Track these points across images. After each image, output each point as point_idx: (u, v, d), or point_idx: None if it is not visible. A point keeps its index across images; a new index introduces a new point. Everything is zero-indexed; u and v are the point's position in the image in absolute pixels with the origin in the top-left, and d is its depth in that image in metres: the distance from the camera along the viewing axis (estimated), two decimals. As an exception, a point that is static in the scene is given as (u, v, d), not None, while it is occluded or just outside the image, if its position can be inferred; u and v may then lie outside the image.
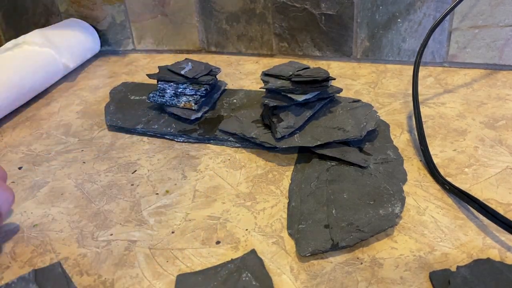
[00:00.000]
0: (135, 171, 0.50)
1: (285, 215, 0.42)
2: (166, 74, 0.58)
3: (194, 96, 0.57)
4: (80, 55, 0.78)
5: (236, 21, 0.77)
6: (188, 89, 0.57)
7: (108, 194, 0.47)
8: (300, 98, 0.50)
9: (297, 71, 0.53)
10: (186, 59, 0.62)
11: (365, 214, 0.39)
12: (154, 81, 0.64)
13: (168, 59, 0.81)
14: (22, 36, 0.71)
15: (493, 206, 0.40)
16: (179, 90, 0.57)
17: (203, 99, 0.58)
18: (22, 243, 0.41)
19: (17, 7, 0.86)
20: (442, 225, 0.39)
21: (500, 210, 0.40)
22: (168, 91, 0.58)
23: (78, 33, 0.79)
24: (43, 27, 0.76)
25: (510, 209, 0.40)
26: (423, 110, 0.57)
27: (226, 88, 0.65)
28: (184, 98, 0.57)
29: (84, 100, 0.68)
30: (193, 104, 0.57)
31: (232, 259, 0.37)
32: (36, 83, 0.67)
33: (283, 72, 0.53)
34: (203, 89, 0.57)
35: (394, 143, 0.51)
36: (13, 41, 0.69)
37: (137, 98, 0.64)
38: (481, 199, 0.41)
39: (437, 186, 0.44)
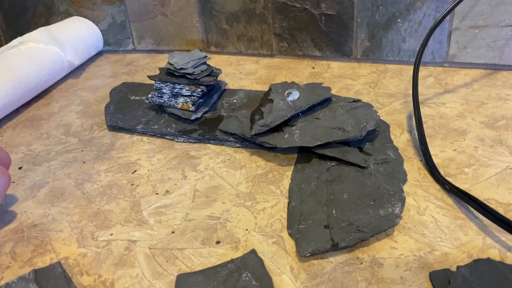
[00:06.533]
0: (135, 171, 0.50)
1: (285, 215, 0.42)
2: (167, 76, 0.58)
3: (192, 97, 0.57)
4: (84, 52, 0.79)
5: (236, 21, 0.77)
6: (184, 90, 0.57)
7: (108, 194, 0.47)
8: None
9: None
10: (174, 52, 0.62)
11: (365, 215, 0.39)
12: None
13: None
14: (27, 34, 0.71)
15: (493, 206, 0.40)
16: (175, 90, 0.57)
17: (201, 100, 0.58)
18: (22, 243, 0.41)
19: (17, 7, 0.86)
20: (442, 225, 0.39)
21: (500, 210, 0.40)
22: (164, 91, 0.58)
23: (82, 31, 0.79)
24: (42, 27, 0.77)
25: (510, 209, 0.40)
26: (423, 110, 0.57)
27: (226, 88, 0.65)
28: (181, 99, 0.57)
29: (84, 100, 0.68)
30: (190, 106, 0.57)
31: (232, 259, 0.37)
32: (41, 80, 0.67)
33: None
34: (199, 90, 0.57)
35: (394, 143, 0.51)
36: (18, 39, 0.70)
37: (137, 98, 0.64)
38: (481, 199, 0.41)
39: (437, 186, 0.44)
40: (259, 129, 0.50)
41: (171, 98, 0.58)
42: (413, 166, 0.47)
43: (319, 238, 0.38)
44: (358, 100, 0.55)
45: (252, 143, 0.52)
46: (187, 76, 0.57)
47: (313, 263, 0.37)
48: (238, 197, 0.45)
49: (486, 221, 0.39)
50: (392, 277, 0.35)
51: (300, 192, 0.44)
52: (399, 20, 0.68)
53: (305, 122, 0.51)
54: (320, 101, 0.54)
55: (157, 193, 0.46)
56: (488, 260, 0.34)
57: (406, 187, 0.44)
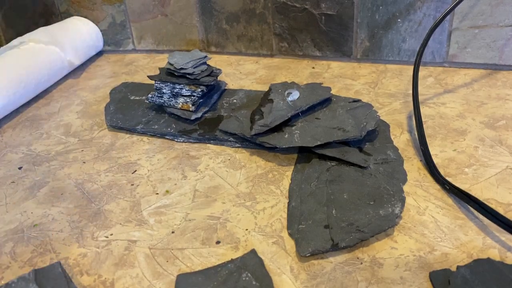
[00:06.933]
0: (135, 171, 0.50)
1: (285, 215, 0.42)
2: (167, 76, 0.58)
3: (192, 97, 0.57)
4: (84, 52, 0.79)
5: (236, 21, 0.77)
6: (184, 90, 0.57)
7: (108, 194, 0.47)
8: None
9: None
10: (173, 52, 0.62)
11: (365, 215, 0.39)
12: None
13: (168, 59, 0.81)
14: (28, 34, 0.71)
15: (493, 206, 0.40)
16: (175, 90, 0.57)
17: (201, 100, 0.58)
18: (22, 243, 0.41)
19: (17, 7, 0.86)
20: (442, 225, 0.39)
21: (500, 210, 0.40)
22: (164, 91, 0.58)
23: (82, 31, 0.79)
24: (43, 27, 0.77)
25: (510, 209, 0.40)
26: (423, 110, 0.57)
27: (226, 88, 0.65)
28: (181, 99, 0.57)
29: (84, 100, 0.68)
30: (190, 106, 0.57)
31: (232, 259, 0.37)
32: (41, 80, 0.68)
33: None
34: (199, 90, 0.57)
35: (394, 143, 0.50)
36: (19, 39, 0.70)
37: (137, 98, 0.64)
38: (481, 199, 0.41)
39: (437, 186, 0.44)
40: (259, 129, 0.50)
41: (171, 98, 0.58)
42: (413, 166, 0.47)
43: (319, 238, 0.38)
44: (358, 100, 0.55)
45: (252, 143, 0.52)
46: (187, 76, 0.57)
47: (313, 263, 0.37)
48: (238, 197, 0.45)
49: (486, 221, 0.39)
50: (392, 277, 0.35)
51: (300, 192, 0.44)
52: (399, 20, 0.68)
53: (305, 122, 0.51)
54: (320, 101, 0.54)
55: (157, 193, 0.46)
56: (488, 260, 0.34)
57: (406, 187, 0.44)
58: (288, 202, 0.43)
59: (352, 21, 0.70)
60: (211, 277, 0.35)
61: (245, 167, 0.49)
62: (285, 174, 0.48)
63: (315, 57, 0.75)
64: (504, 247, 0.37)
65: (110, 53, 0.86)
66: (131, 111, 0.61)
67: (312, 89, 0.56)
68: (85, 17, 0.84)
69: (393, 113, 0.57)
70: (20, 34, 0.73)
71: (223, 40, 0.80)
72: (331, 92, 0.56)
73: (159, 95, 0.59)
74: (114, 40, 0.85)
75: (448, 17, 0.65)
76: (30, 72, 0.65)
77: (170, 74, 0.58)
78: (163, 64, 0.79)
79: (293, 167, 0.48)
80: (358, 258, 0.37)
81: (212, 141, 0.54)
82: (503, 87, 0.61)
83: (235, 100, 0.61)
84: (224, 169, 0.49)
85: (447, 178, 0.44)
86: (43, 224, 0.43)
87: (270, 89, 0.57)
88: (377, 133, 0.52)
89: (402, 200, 0.41)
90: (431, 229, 0.39)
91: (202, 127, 0.56)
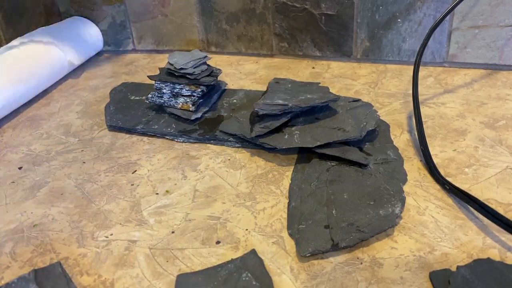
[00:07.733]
0: (135, 171, 0.50)
1: (285, 215, 0.42)
2: (167, 76, 0.58)
3: (192, 97, 0.57)
4: (84, 52, 0.79)
5: (236, 21, 0.77)
6: (184, 90, 0.57)
7: (108, 194, 0.47)
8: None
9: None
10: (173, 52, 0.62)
11: (365, 215, 0.39)
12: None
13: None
14: (27, 34, 0.71)
15: (493, 206, 0.40)
16: (175, 90, 0.57)
17: (201, 100, 0.58)
18: (22, 243, 0.41)
19: (17, 7, 0.86)
20: (442, 225, 0.39)
21: (500, 210, 0.40)
22: (164, 91, 0.58)
23: (82, 31, 0.79)
24: (43, 27, 0.77)
25: (510, 209, 0.40)
26: (423, 110, 0.57)
27: (226, 88, 0.65)
28: (181, 99, 0.57)
29: (84, 100, 0.68)
30: (190, 106, 0.57)
31: (232, 259, 0.37)
32: (41, 80, 0.68)
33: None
34: (199, 90, 0.57)
35: (394, 143, 0.50)
36: (19, 39, 0.70)
37: (137, 98, 0.64)
38: (481, 199, 0.41)
39: (437, 186, 0.44)
40: (260, 131, 0.50)
41: (171, 98, 0.58)
42: (413, 166, 0.47)
43: (319, 238, 0.38)
44: (358, 100, 0.55)
45: (252, 143, 0.52)
46: (187, 76, 0.57)
47: (313, 263, 0.37)
48: (238, 197, 0.45)
49: (486, 221, 0.39)
50: (392, 277, 0.35)
51: (300, 192, 0.44)
52: (399, 20, 0.68)
53: (305, 122, 0.51)
54: (323, 104, 0.54)
55: (157, 193, 0.46)
56: (488, 260, 0.34)
57: (406, 187, 0.44)
58: (288, 202, 0.43)
59: (352, 21, 0.70)
60: (211, 277, 0.35)
61: (245, 167, 0.49)
62: (285, 174, 0.48)
63: (315, 57, 0.75)
64: (504, 247, 0.37)
65: (110, 53, 0.86)
66: (131, 111, 0.61)
67: (316, 90, 0.56)
68: (85, 17, 0.84)
69: (393, 113, 0.57)
70: (20, 34, 0.73)
71: (223, 40, 0.80)
72: (329, 92, 0.56)
73: (159, 95, 0.59)
74: (114, 40, 0.85)
75: (448, 17, 0.65)
76: (30, 72, 0.65)
77: (170, 74, 0.58)
78: (163, 64, 0.79)
79: (293, 167, 0.48)
80: (358, 258, 0.37)
81: (212, 141, 0.54)
82: (503, 87, 0.61)
83: (235, 100, 0.61)
84: (224, 169, 0.49)
85: (447, 178, 0.44)
86: (43, 224, 0.43)
87: (268, 88, 0.57)
88: (377, 133, 0.52)
89: (402, 200, 0.41)
90: (431, 229, 0.39)
91: (202, 127, 0.56)
